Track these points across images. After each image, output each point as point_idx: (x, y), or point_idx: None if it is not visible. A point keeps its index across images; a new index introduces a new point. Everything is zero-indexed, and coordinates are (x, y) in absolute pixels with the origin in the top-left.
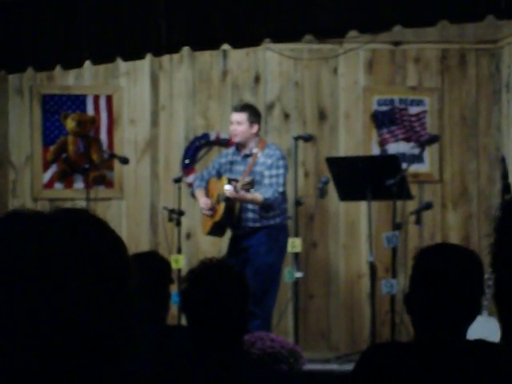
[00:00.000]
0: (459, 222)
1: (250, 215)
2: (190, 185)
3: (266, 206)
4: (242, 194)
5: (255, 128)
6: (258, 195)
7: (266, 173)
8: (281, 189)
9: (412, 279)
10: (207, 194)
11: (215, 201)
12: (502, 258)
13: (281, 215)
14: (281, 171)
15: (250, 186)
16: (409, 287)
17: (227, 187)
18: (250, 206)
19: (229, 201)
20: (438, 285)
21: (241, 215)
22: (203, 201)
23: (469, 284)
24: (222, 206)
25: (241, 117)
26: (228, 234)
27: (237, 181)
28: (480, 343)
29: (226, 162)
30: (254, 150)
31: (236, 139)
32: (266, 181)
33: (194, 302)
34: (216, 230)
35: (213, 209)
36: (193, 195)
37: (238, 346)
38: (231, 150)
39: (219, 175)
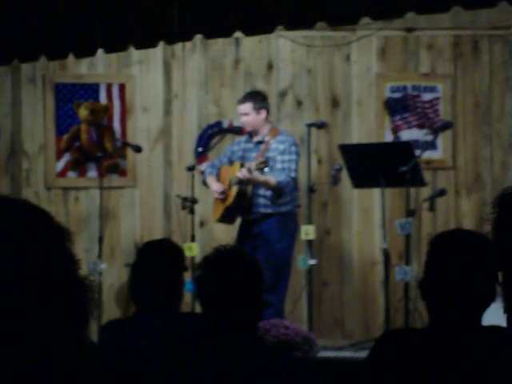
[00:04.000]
0: (473, 209)
1: (262, 201)
2: (203, 172)
3: (277, 190)
4: (256, 175)
5: (263, 113)
6: (271, 178)
7: (279, 158)
8: (293, 174)
9: (427, 265)
10: (218, 181)
11: (227, 186)
12: (504, 256)
13: (291, 202)
14: (293, 157)
15: (264, 164)
16: (423, 273)
17: (239, 172)
18: (262, 192)
19: (241, 184)
20: (452, 270)
21: (252, 200)
22: (215, 185)
23: (483, 270)
24: (234, 190)
25: (245, 107)
26: (238, 221)
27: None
28: (495, 329)
29: (239, 149)
30: (266, 138)
31: (248, 129)
32: (279, 165)
33: (208, 288)
34: (227, 216)
35: (225, 193)
36: (204, 183)
37: (252, 333)
38: (244, 137)
39: (231, 163)
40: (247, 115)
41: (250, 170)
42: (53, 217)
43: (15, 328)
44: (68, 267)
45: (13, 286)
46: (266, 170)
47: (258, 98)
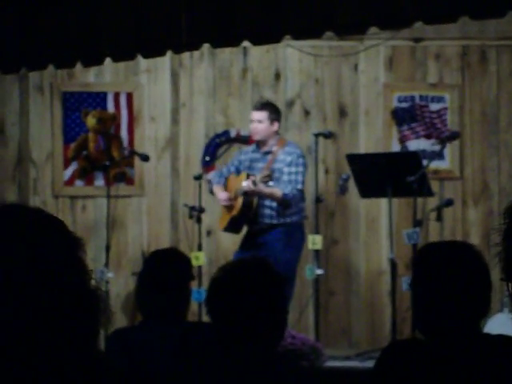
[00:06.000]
0: (480, 219)
1: (267, 211)
2: (210, 182)
3: (283, 203)
4: (261, 187)
5: (276, 126)
6: (277, 190)
7: (286, 170)
8: (300, 186)
9: (415, 279)
10: (225, 191)
11: (233, 196)
12: None
13: (297, 213)
14: (300, 169)
15: (268, 178)
16: (412, 287)
17: (245, 183)
18: (267, 203)
19: (247, 195)
20: (443, 282)
21: (258, 211)
22: (222, 194)
23: (472, 279)
24: (239, 201)
25: (261, 115)
26: (244, 230)
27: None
28: (500, 338)
29: (246, 159)
30: (274, 149)
31: (257, 137)
32: (285, 177)
33: (224, 297)
34: (232, 226)
35: (231, 200)
36: (211, 192)
37: (262, 344)
38: (251, 147)
39: (238, 172)
40: (261, 123)
41: (254, 183)
42: (66, 226)
43: (25, 336)
44: (80, 277)
45: (25, 294)
46: (271, 183)
47: (274, 109)
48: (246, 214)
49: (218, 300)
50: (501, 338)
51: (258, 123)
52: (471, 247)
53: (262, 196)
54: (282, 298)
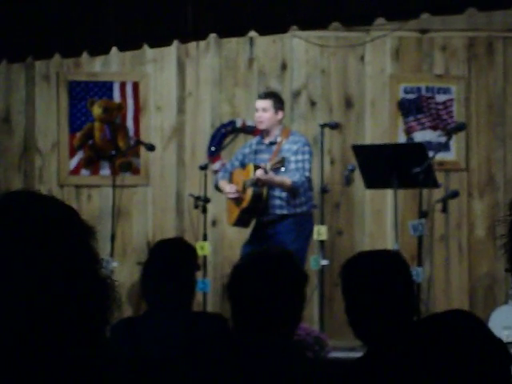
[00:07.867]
0: (485, 211)
1: (277, 202)
2: (216, 172)
3: (293, 191)
4: (272, 175)
5: (280, 115)
6: (286, 178)
7: (292, 158)
8: (307, 173)
9: (344, 290)
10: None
11: (241, 189)
12: None
13: (307, 203)
14: (306, 157)
15: (280, 164)
16: (343, 297)
17: (254, 175)
18: (277, 193)
19: (257, 186)
20: (370, 290)
21: (268, 202)
22: (228, 187)
23: (398, 282)
24: (249, 192)
25: (266, 104)
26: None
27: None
28: (436, 319)
29: (250, 151)
30: (279, 139)
31: (262, 126)
32: (293, 166)
33: (249, 287)
34: (242, 219)
35: (239, 192)
36: (216, 187)
37: (274, 335)
38: (255, 139)
39: (243, 166)
40: (266, 111)
41: (265, 171)
42: (79, 214)
43: (36, 323)
44: (91, 265)
45: (36, 281)
46: (283, 169)
47: (279, 99)
48: (257, 206)
49: (241, 286)
50: (436, 317)
51: (263, 112)
52: (393, 253)
53: (272, 185)
54: (302, 292)
